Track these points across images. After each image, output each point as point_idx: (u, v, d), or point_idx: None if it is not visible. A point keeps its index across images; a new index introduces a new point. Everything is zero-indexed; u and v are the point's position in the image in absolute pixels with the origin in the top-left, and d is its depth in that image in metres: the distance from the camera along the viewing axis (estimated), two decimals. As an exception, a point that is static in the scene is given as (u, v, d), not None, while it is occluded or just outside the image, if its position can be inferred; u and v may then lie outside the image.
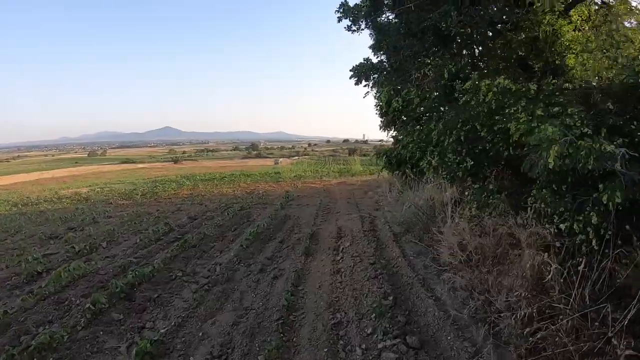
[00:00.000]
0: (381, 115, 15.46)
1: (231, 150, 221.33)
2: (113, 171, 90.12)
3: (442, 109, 7.39)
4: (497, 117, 4.56)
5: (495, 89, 4.64)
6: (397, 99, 7.05)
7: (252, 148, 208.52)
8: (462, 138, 5.38)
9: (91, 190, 23.38)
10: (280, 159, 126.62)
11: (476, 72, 5.94)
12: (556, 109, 4.26)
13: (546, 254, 3.67)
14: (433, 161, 5.79)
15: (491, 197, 5.03)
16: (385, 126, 12.87)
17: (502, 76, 4.85)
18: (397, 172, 11.29)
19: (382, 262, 6.27)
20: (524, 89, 4.76)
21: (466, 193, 5.93)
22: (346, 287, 5.47)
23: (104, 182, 34.13)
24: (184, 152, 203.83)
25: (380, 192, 14.54)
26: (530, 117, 4.11)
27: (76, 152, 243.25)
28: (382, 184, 16.27)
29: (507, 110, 4.43)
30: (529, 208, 4.33)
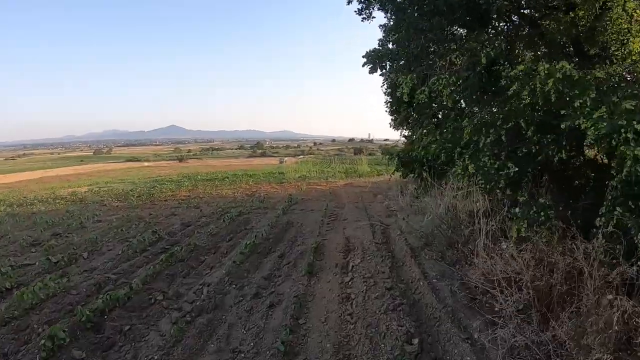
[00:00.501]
0: (392, 112, 14.40)
1: (236, 149, 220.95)
2: (117, 169, 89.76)
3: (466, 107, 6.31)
4: (562, 112, 3.47)
5: (558, 75, 3.55)
6: (423, 89, 5.91)
7: (257, 147, 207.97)
8: (503, 138, 4.33)
9: (90, 190, 22.51)
10: (286, 158, 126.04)
11: (530, 53, 4.87)
12: (631, 102, 3.20)
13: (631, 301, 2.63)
14: (470, 167, 4.68)
15: (542, 215, 3.97)
16: (398, 124, 11.80)
17: (563, 61, 3.76)
18: (411, 175, 10.24)
19: (400, 286, 5.23)
20: (588, 77, 3.70)
21: (505, 206, 4.89)
22: (358, 321, 4.43)
23: (106, 181, 33.35)
24: (189, 151, 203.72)
25: (390, 195, 13.50)
26: (609, 113, 3.06)
27: (82, 151, 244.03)
28: (392, 187, 15.22)
29: (574, 103, 3.36)
30: (597, 231, 3.27)
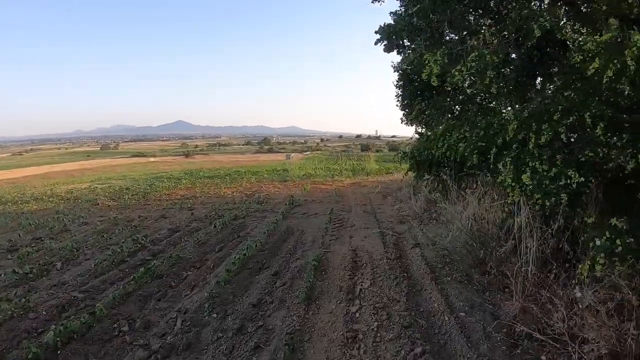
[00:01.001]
0: (403, 107, 13.26)
1: (243, 145, 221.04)
2: (123, 165, 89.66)
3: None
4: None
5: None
6: (459, 67, 4.76)
7: (264, 143, 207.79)
8: (562, 137, 3.24)
9: (88, 188, 21.73)
10: (292, 154, 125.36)
11: (616, 20, 3.74)
12: None
13: None
14: (525, 176, 3.52)
15: (618, 243, 2.88)
16: (411, 120, 10.69)
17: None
18: (426, 177, 9.15)
19: (420, 322, 4.16)
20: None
21: (554, 221, 3.82)
22: (368, 377, 3.39)
23: (108, 177, 32.72)
24: (196, 146, 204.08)
25: (402, 197, 12.40)
26: None
27: (89, 146, 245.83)
28: (402, 187, 14.12)
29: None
30: None
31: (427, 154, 8.51)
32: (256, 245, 7.19)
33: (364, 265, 6.07)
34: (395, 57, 12.74)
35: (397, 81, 13.13)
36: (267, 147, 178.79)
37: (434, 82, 5.13)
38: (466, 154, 4.99)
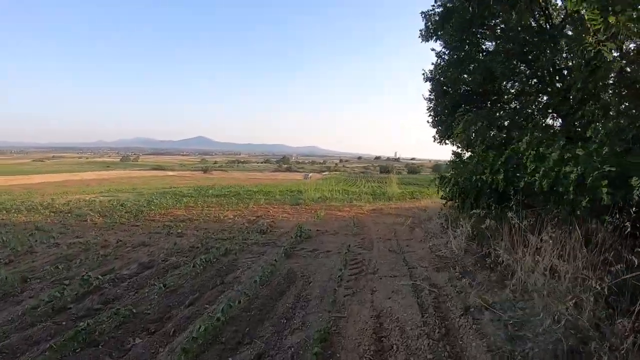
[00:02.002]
0: (436, 123, 11.26)
1: (262, 163, 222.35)
2: (140, 177, 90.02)
3: None
4: None
5: None
6: None
7: (283, 161, 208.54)
8: None
9: (91, 199, 20.69)
10: (310, 174, 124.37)
11: None
12: None
13: None
14: None
15: None
16: (456, 135, 8.64)
17: None
18: (476, 211, 7.03)
19: None
20: None
21: None
22: None
23: (118, 190, 31.77)
24: (215, 162, 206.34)
25: (432, 229, 10.26)
26: None
27: (110, 156, 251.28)
28: (432, 216, 11.96)
29: None
30: None
31: (476, 180, 6.43)
32: (240, 302, 5.14)
33: (394, 348, 3.96)
34: (427, 65, 10.83)
35: (429, 91, 11.17)
36: (285, 165, 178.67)
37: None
38: (588, 181, 2.90)
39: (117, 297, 5.70)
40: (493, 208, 6.40)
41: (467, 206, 7.06)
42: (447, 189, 9.03)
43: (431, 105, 11.23)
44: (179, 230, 10.86)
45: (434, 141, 10.98)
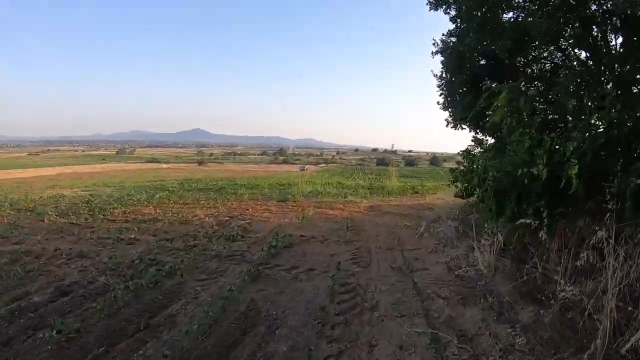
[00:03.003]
0: (447, 106, 9.26)
1: (258, 155, 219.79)
2: (133, 170, 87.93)
3: None
4: None
5: None
6: None
7: (280, 153, 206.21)
8: None
9: (69, 195, 18.70)
10: (307, 166, 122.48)
11: None
12: None
13: None
14: None
15: None
16: (461, 118, 6.61)
17: None
18: (526, 221, 4.99)
19: None
20: None
21: None
22: None
23: (104, 183, 29.92)
24: (211, 154, 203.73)
25: (444, 235, 8.26)
26: None
27: (106, 149, 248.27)
28: (441, 216, 9.97)
29: None
30: None
31: (523, 174, 4.40)
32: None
33: None
34: (438, 35, 8.82)
35: (442, 66, 9.11)
36: (282, 158, 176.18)
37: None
38: None
39: (3, 342, 3.72)
40: (545, 215, 4.38)
41: (507, 211, 5.04)
42: (471, 186, 7.07)
43: (443, 82, 9.19)
44: (133, 236, 8.80)
45: (447, 125, 8.98)
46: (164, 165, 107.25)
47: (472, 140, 7.94)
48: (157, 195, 16.30)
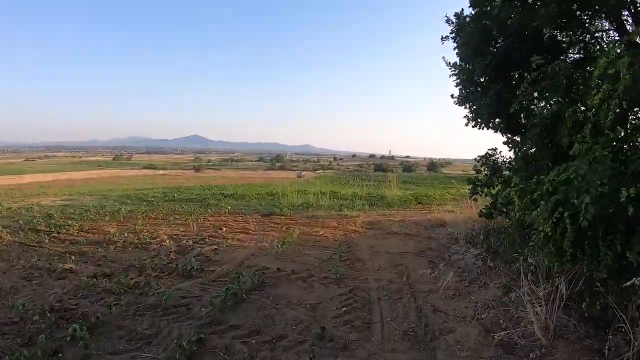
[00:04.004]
0: (470, 94, 7.36)
1: (256, 161, 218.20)
2: (128, 177, 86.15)
3: None
4: None
5: None
6: None
7: (277, 160, 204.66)
8: None
9: (46, 205, 17.07)
10: (304, 172, 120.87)
11: None
12: None
13: None
14: None
15: None
16: (488, 113, 4.71)
17: None
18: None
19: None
20: None
21: None
22: None
23: (91, 191, 28.17)
24: (208, 161, 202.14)
25: (464, 263, 6.34)
26: None
27: (103, 155, 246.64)
28: (456, 236, 8.06)
29: None
30: None
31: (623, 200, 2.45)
32: None
33: None
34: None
35: (458, 49, 7.22)
36: (279, 164, 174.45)
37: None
38: None
39: None
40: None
41: (588, 250, 3.10)
42: (502, 201, 5.19)
43: (458, 70, 7.27)
44: (70, 266, 6.86)
45: (467, 124, 7.03)
46: (161, 172, 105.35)
47: (509, 144, 6.00)
48: (129, 208, 14.29)
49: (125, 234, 9.48)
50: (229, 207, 14.29)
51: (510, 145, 5.93)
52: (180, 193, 22.67)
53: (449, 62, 7.48)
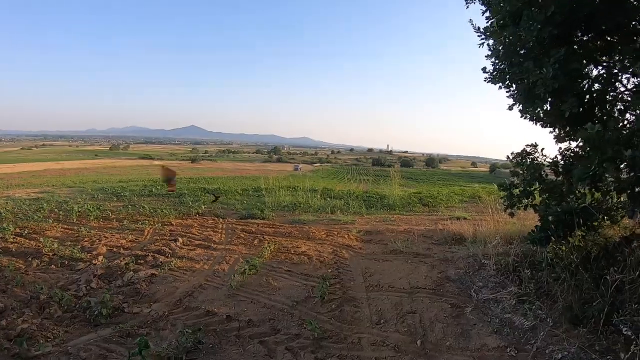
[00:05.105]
0: (515, 68, 5.28)
1: (253, 153, 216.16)
2: (123, 167, 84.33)
3: None
4: None
5: None
6: None
7: (274, 152, 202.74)
8: None
9: (19, 197, 15.48)
10: (301, 165, 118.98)
11: None
12: None
13: None
14: None
15: None
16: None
17: None
18: None
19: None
20: None
21: None
22: None
23: (73, 183, 26.37)
24: (205, 152, 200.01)
25: (502, 309, 4.31)
26: None
27: (100, 145, 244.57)
28: (479, 258, 6.06)
29: None
30: None
31: None
32: None
33: None
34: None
35: (490, 13, 5.17)
36: (276, 156, 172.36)
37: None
38: None
39: None
40: None
41: None
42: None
43: (492, 33, 5.20)
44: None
45: (511, 108, 4.99)
46: (156, 162, 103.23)
47: (589, 142, 3.98)
48: (93, 205, 12.20)
49: (60, 245, 7.45)
50: (204, 207, 12.23)
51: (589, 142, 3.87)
52: (162, 187, 20.63)
53: (478, 27, 5.43)
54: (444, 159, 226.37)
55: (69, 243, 7.76)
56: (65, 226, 9.49)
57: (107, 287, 5.16)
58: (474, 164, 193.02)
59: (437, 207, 13.68)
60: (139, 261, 6.17)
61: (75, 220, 10.32)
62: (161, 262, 6.08)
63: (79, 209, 11.36)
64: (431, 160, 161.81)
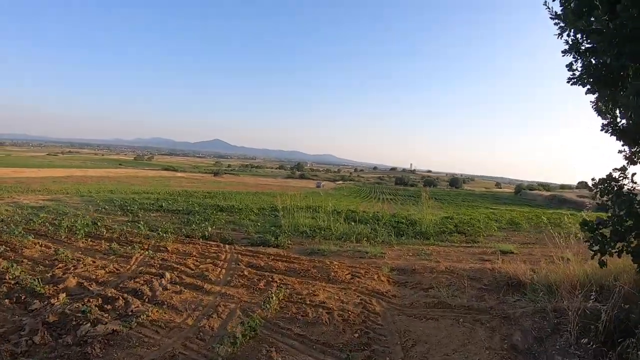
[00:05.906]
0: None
1: (276, 169, 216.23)
2: (144, 177, 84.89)
3: None
4: None
5: None
6: None
7: (297, 168, 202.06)
8: None
9: (28, 203, 14.94)
10: (323, 182, 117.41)
11: None
12: None
13: None
14: None
15: None
16: None
17: None
18: None
19: None
20: None
21: None
22: None
23: (89, 191, 26.96)
24: (228, 166, 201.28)
25: None
26: None
27: (125, 155, 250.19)
28: (558, 323, 4.30)
29: None
30: None
31: None
32: None
33: None
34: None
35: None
36: (299, 172, 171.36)
37: None
38: None
39: None
40: None
41: None
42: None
43: (583, 20, 3.64)
44: None
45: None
46: (179, 174, 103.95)
47: None
48: (83, 221, 10.95)
49: (30, 270, 6.13)
50: (210, 228, 10.81)
51: None
52: (174, 201, 19.46)
53: (555, 13, 3.91)
54: (469, 179, 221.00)
55: (41, 268, 6.46)
56: (47, 244, 8.23)
57: (53, 345, 3.71)
58: (498, 185, 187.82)
59: (475, 236, 11.90)
60: (105, 306, 4.69)
61: (63, 237, 9.09)
62: (132, 310, 4.57)
63: (70, 225, 10.14)
64: (455, 180, 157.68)
